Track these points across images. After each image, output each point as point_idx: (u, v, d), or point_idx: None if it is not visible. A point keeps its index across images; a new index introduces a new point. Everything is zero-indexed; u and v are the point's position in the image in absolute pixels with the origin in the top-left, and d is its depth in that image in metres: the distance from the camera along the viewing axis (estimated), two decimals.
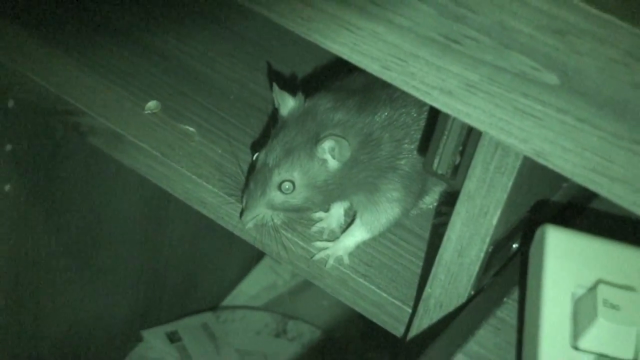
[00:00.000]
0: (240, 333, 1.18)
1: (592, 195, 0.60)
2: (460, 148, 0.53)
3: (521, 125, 0.45)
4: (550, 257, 0.47)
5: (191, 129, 0.72)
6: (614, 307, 0.44)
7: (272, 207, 0.60)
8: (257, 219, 0.61)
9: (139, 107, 0.73)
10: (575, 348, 0.44)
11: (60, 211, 0.95)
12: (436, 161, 0.55)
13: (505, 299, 0.52)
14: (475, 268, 0.52)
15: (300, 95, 0.62)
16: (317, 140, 0.58)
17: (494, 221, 0.51)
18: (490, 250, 0.52)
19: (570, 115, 0.43)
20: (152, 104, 0.74)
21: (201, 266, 1.21)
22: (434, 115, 0.54)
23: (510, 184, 0.50)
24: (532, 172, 0.51)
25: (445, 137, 0.53)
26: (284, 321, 1.22)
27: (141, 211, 1.06)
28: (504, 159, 0.49)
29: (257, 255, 1.23)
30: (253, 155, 0.64)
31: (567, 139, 0.44)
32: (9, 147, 0.85)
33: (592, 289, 0.45)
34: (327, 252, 0.63)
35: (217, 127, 0.73)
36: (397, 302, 0.60)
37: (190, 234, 1.15)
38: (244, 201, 0.61)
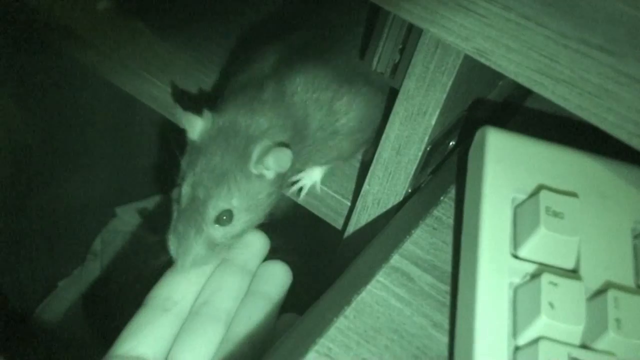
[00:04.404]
0: None
1: (527, 92, 0.51)
2: (400, 46, 0.43)
3: (463, 22, 0.36)
4: (490, 160, 0.37)
5: (141, 24, 0.61)
6: (556, 215, 0.34)
7: (212, 244, 0.44)
8: (197, 260, 0.44)
9: (91, 4, 0.62)
10: (515, 256, 0.35)
11: (33, 101, 0.84)
12: (375, 60, 0.44)
13: (442, 198, 0.43)
14: (413, 167, 0.43)
15: (207, 113, 0.45)
16: (249, 156, 0.43)
17: (433, 121, 0.41)
18: (428, 149, 0.43)
19: (514, 12, 0.34)
20: (103, 2, 0.62)
21: (169, 149, 1.12)
22: (374, 13, 0.44)
23: (450, 83, 0.40)
24: (471, 71, 0.41)
25: (385, 35, 0.43)
26: None
27: (112, 102, 0.95)
28: (445, 58, 0.39)
29: None
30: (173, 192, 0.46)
31: (511, 37, 0.34)
32: None
33: (534, 195, 0.36)
34: (299, 184, 0.51)
35: (169, 25, 0.62)
36: (336, 196, 0.51)
37: (157, 123, 1.05)
38: (174, 247, 0.44)
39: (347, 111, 0.48)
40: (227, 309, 0.44)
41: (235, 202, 0.44)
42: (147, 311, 0.43)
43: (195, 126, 0.45)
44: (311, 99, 0.47)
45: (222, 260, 0.46)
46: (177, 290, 0.44)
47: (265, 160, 0.43)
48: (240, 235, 0.45)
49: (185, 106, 0.46)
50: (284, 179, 0.47)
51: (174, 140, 0.47)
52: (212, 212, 0.43)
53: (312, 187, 0.51)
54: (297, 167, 0.48)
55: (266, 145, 0.43)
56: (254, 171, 0.44)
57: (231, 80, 0.49)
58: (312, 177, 0.51)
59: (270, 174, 0.44)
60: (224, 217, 0.44)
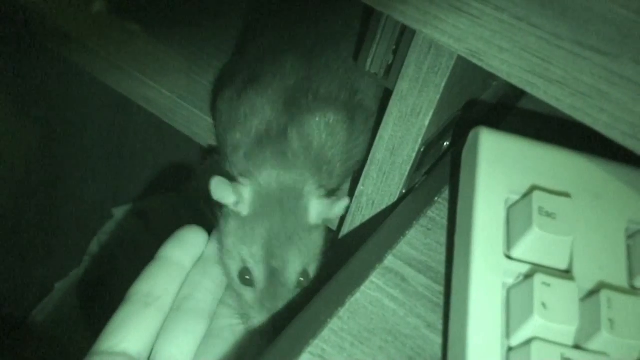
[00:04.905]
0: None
1: (521, 93, 0.50)
2: (394, 47, 0.43)
3: (456, 23, 0.35)
4: (484, 160, 0.37)
5: (136, 26, 0.61)
6: (549, 215, 0.34)
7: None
8: None
9: (87, 7, 0.62)
10: (509, 257, 0.35)
11: (31, 104, 0.84)
12: (369, 61, 0.44)
13: (436, 198, 0.43)
14: (407, 167, 0.43)
15: (245, 180, 0.44)
16: (305, 211, 0.44)
17: (426, 121, 0.41)
18: (422, 149, 0.43)
19: (507, 13, 0.34)
20: (98, 4, 0.62)
21: (166, 151, 1.11)
22: (367, 14, 0.44)
23: (443, 84, 0.40)
24: (465, 71, 0.41)
25: (378, 36, 0.43)
26: None
27: (108, 102, 0.95)
28: (438, 59, 0.39)
29: None
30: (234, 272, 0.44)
31: (504, 38, 0.34)
32: None
33: (527, 195, 0.36)
34: None
35: (164, 27, 0.62)
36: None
37: (153, 123, 1.04)
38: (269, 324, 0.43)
39: (357, 145, 0.49)
40: (209, 302, 0.44)
41: (307, 260, 0.44)
42: (128, 307, 0.42)
43: (244, 197, 0.44)
44: (336, 141, 0.47)
45: (200, 257, 0.46)
46: (158, 285, 0.43)
47: (325, 212, 0.44)
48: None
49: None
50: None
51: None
52: (294, 278, 0.43)
53: None
54: None
55: (323, 198, 0.44)
56: (314, 225, 0.44)
57: (236, 133, 0.47)
58: None
59: (319, 221, 0.45)
60: (302, 279, 0.44)
